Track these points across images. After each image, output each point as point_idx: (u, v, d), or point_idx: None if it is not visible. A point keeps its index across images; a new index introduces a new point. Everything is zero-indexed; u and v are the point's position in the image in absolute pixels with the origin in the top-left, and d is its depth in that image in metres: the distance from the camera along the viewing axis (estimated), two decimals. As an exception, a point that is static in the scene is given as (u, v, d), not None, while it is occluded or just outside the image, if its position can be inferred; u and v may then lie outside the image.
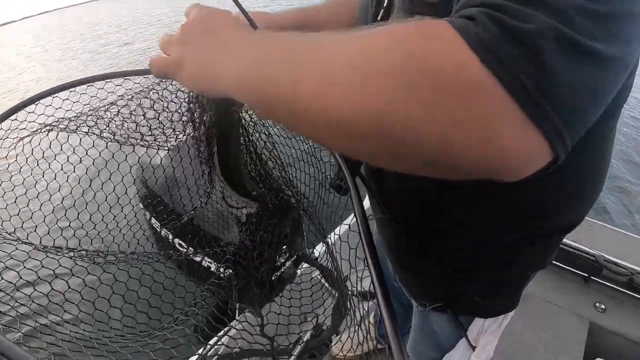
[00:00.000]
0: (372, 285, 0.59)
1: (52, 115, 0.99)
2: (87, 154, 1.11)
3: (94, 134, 0.95)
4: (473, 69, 0.32)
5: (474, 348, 0.96)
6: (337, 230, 1.78)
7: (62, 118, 0.96)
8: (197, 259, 1.55)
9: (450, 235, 0.81)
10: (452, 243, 0.82)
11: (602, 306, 2.15)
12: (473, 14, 0.33)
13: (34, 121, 0.98)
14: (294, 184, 1.03)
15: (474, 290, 0.88)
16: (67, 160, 1.11)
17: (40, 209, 1.10)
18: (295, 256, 1.09)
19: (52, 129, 0.96)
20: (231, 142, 0.83)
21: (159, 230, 1.60)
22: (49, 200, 1.16)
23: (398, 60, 0.33)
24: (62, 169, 1.11)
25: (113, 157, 1.08)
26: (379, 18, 0.76)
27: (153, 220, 1.64)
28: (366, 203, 2.05)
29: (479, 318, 0.93)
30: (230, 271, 1.00)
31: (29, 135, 0.95)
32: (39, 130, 0.95)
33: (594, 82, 0.35)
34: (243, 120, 0.92)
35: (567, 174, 0.65)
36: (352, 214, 0.67)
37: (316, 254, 1.16)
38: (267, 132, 0.95)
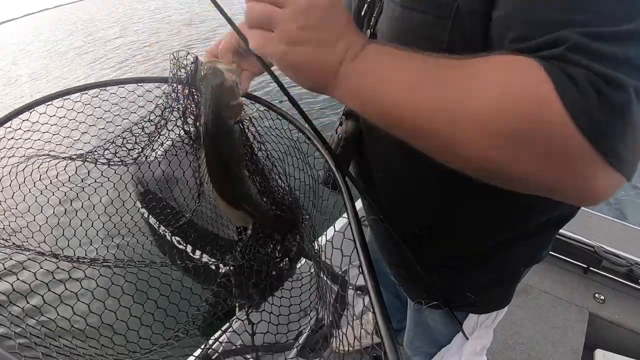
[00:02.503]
0: (364, 279, 0.60)
1: (55, 124, 1.02)
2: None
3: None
4: (575, 141, 0.38)
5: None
6: (336, 224, 1.78)
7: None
8: (196, 257, 1.56)
9: (441, 234, 0.82)
10: (443, 242, 0.83)
11: (602, 297, 2.16)
12: (574, 74, 0.38)
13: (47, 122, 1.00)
14: (294, 194, 1.03)
15: (467, 286, 0.88)
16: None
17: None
18: (294, 250, 1.09)
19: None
20: (224, 151, 0.78)
21: (157, 228, 1.61)
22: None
23: (516, 125, 0.41)
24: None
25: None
26: (362, 13, 0.76)
27: (151, 219, 1.64)
28: (359, 203, 2.06)
29: (473, 314, 0.94)
30: (230, 268, 1.00)
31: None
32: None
33: None
34: (247, 130, 0.86)
35: None
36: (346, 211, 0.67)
37: (316, 247, 1.16)
38: (260, 140, 0.93)
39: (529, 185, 0.45)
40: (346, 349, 0.90)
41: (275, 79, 0.61)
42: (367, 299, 0.59)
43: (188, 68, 0.87)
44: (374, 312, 0.53)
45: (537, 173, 0.42)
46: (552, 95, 0.39)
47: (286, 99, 0.64)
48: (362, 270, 0.59)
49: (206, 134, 0.75)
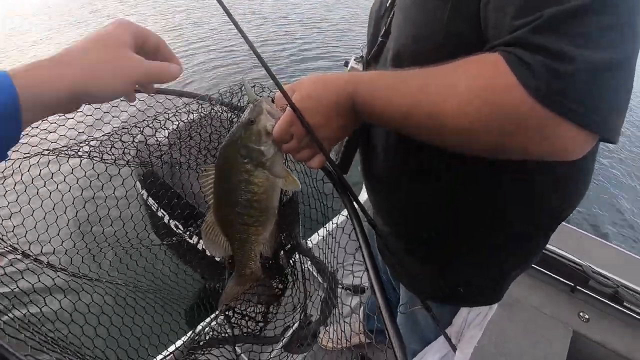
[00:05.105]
0: (362, 279, 0.61)
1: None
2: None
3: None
4: (537, 112, 0.48)
5: (454, 348, 0.98)
6: (327, 225, 1.79)
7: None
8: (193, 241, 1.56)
9: (434, 231, 0.84)
10: (436, 239, 0.85)
11: (586, 316, 2.18)
12: (529, 61, 0.48)
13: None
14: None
15: (458, 282, 0.91)
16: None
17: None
18: (289, 245, 1.10)
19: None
20: (231, 187, 0.75)
21: (155, 211, 1.61)
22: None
23: (485, 110, 0.52)
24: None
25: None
26: (381, 14, 0.86)
27: (150, 201, 1.64)
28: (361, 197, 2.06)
29: (464, 309, 0.96)
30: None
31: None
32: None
33: (621, 82, 0.49)
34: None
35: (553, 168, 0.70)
36: (339, 213, 0.69)
37: (310, 245, 1.17)
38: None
39: (508, 150, 0.55)
40: (334, 345, 0.92)
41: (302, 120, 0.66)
42: (357, 298, 0.60)
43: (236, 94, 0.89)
44: (378, 308, 0.55)
45: (512, 140, 0.52)
46: (512, 81, 0.49)
47: None
48: (365, 267, 0.61)
49: (219, 161, 0.76)
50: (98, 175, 1.14)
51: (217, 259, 1.43)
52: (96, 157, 1.00)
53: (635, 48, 0.50)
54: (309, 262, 1.20)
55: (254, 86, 0.87)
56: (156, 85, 0.65)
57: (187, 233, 1.53)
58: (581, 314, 2.19)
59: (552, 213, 0.79)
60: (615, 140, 0.51)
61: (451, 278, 0.91)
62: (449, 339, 0.97)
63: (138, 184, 1.62)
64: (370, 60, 0.89)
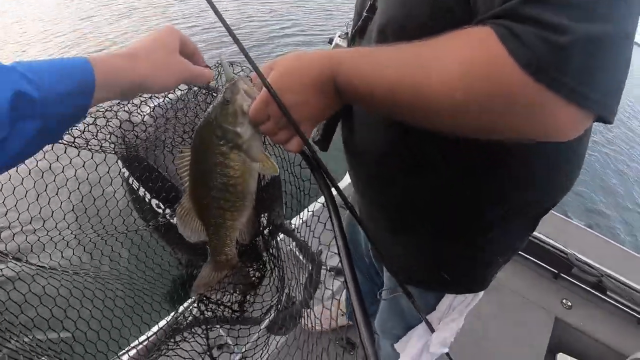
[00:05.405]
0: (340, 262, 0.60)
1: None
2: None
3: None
4: (529, 88, 0.45)
5: (432, 331, 0.98)
6: (311, 206, 1.78)
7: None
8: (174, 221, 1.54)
9: (426, 212, 0.83)
10: (427, 220, 0.84)
11: (569, 303, 2.21)
12: (520, 33, 0.44)
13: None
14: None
15: (444, 267, 0.90)
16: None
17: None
18: (272, 226, 1.09)
19: None
20: (206, 169, 0.72)
21: (136, 190, 1.58)
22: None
23: (476, 84, 0.48)
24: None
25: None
26: None
27: (132, 180, 1.61)
28: (341, 183, 2.05)
29: (448, 295, 0.95)
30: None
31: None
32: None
33: (618, 58, 0.46)
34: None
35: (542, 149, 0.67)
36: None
37: (293, 226, 1.16)
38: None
39: (499, 129, 0.52)
40: (316, 328, 0.91)
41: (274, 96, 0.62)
42: (339, 280, 0.59)
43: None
44: (348, 294, 0.53)
45: (502, 117, 0.49)
46: (502, 53, 0.45)
47: None
48: (339, 253, 0.59)
49: (194, 142, 0.73)
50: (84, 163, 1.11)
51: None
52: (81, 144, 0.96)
53: (634, 22, 0.47)
54: (293, 243, 1.19)
55: (232, 64, 0.84)
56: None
57: (167, 215, 1.51)
58: (564, 301, 2.22)
59: (544, 200, 0.78)
60: (612, 120, 0.47)
61: (439, 266, 0.90)
62: (429, 325, 0.97)
63: (120, 163, 1.59)
64: (355, 36, 0.86)
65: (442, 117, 0.54)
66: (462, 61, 0.49)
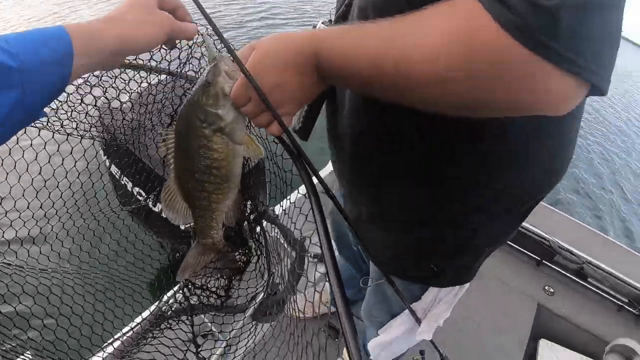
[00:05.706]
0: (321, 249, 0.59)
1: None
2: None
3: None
4: (519, 55, 0.42)
5: (418, 320, 0.98)
6: (294, 193, 1.77)
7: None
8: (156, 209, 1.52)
9: (411, 200, 0.82)
10: (413, 209, 0.83)
11: (552, 290, 2.25)
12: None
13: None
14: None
15: (432, 257, 0.89)
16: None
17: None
18: (255, 213, 1.08)
19: None
20: (190, 151, 0.72)
21: (118, 177, 1.56)
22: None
23: (462, 51, 0.46)
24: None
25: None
26: None
27: (113, 168, 1.59)
28: (322, 172, 2.03)
29: (434, 287, 0.95)
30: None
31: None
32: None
33: (607, 25, 0.43)
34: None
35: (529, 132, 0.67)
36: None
37: (277, 213, 1.15)
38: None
39: (485, 104, 0.50)
40: (300, 315, 0.90)
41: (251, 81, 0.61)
42: (323, 267, 0.58)
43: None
44: (329, 281, 0.53)
45: (488, 89, 0.47)
46: (486, 19, 0.43)
47: None
48: (319, 240, 0.59)
49: (177, 124, 0.73)
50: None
51: (182, 227, 1.40)
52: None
53: None
54: (277, 230, 1.18)
55: (215, 41, 0.82)
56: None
57: (149, 200, 1.49)
58: (546, 287, 2.26)
59: (527, 183, 0.76)
60: (605, 89, 0.45)
61: (425, 257, 0.90)
62: (413, 312, 0.97)
63: (100, 151, 1.56)
64: (339, 22, 0.85)
65: (426, 89, 0.51)
66: (444, 27, 0.47)
